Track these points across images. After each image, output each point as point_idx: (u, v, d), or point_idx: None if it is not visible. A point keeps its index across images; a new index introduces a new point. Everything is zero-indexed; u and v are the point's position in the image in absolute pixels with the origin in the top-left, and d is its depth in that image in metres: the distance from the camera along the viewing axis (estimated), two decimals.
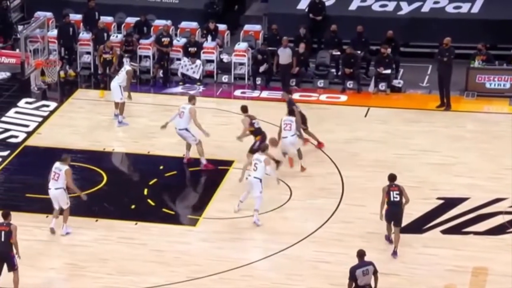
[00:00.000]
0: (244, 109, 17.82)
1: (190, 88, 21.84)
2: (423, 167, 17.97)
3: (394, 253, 15.19)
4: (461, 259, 15.13)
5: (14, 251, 13.83)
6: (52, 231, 15.65)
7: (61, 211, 15.64)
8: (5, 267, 13.84)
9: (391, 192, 15.11)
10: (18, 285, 13.88)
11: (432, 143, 18.97)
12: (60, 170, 15.46)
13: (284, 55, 21.41)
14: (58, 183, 15.44)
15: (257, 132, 17.59)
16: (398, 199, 15.09)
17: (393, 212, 15.11)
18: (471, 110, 20.61)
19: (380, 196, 15.21)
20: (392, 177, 15.30)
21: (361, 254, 13.45)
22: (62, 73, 22.07)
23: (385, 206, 15.16)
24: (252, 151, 17.13)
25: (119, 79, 19.53)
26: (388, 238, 15.50)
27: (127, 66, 19.89)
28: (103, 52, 21.41)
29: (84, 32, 22.69)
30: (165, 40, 22.06)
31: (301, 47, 21.70)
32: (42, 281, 14.52)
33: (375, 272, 13.36)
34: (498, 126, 19.80)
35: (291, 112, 17.93)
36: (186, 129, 17.73)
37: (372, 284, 13.35)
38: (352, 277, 13.20)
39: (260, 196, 15.96)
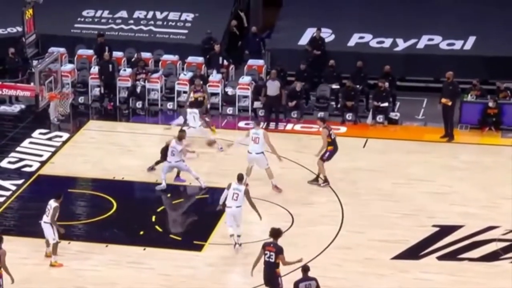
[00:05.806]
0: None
1: None
2: (420, 195, 18.50)
3: None
4: (456, 284, 15.50)
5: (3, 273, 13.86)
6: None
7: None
8: None
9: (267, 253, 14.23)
10: None
11: (428, 173, 19.51)
12: (50, 205, 15.81)
13: (273, 88, 22.14)
14: (48, 218, 15.80)
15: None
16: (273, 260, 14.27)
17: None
18: (465, 142, 21.27)
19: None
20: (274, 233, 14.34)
21: (305, 269, 13.59)
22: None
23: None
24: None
25: None
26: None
27: None
28: (194, 91, 21.21)
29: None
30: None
31: (298, 86, 22.53)
32: None
33: None
34: (491, 157, 20.39)
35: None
36: (263, 153, 18.44)
37: None
38: None
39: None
